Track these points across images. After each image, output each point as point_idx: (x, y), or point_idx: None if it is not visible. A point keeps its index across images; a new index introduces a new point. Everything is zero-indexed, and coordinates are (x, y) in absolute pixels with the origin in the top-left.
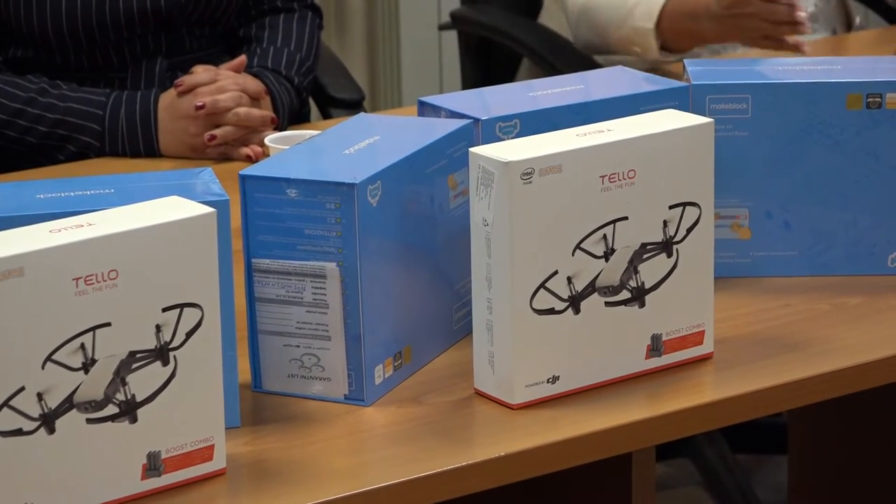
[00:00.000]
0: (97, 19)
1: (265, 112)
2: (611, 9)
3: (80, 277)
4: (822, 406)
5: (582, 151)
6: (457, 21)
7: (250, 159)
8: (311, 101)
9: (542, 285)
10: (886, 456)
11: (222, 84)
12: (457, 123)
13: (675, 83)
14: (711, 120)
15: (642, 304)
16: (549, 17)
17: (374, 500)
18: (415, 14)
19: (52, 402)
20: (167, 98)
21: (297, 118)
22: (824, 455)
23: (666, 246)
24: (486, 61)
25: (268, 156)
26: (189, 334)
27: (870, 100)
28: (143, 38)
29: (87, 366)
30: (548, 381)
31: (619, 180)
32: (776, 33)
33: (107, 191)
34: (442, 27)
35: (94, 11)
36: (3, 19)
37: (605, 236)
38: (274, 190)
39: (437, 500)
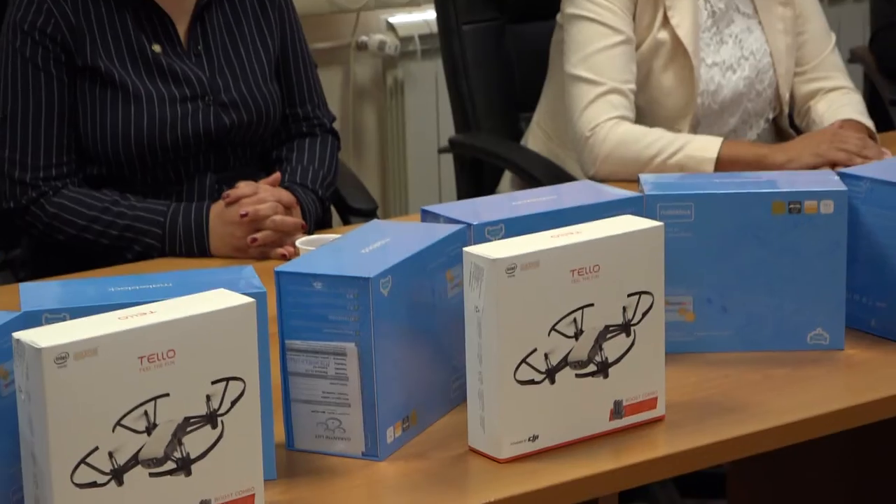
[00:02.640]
0: (160, 143)
1: (297, 219)
2: (653, 145)
3: (144, 356)
4: (755, 458)
5: (555, 250)
6: (454, 145)
7: (285, 258)
8: (334, 210)
9: (524, 360)
10: (808, 500)
11: (262, 196)
12: (453, 228)
13: (631, 194)
14: (662, 223)
15: (606, 376)
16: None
17: None
18: (418, 140)
19: (121, 459)
20: (217, 208)
21: (321, 224)
22: (757, 500)
23: (625, 327)
24: (477, 177)
25: (299, 255)
26: (234, 402)
27: (791, 206)
28: (195, 157)
29: (149, 429)
30: (529, 440)
31: (587, 273)
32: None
33: (166, 284)
34: (441, 150)
35: (157, 136)
36: (83, 145)
37: (575, 319)
38: (303, 283)
39: None
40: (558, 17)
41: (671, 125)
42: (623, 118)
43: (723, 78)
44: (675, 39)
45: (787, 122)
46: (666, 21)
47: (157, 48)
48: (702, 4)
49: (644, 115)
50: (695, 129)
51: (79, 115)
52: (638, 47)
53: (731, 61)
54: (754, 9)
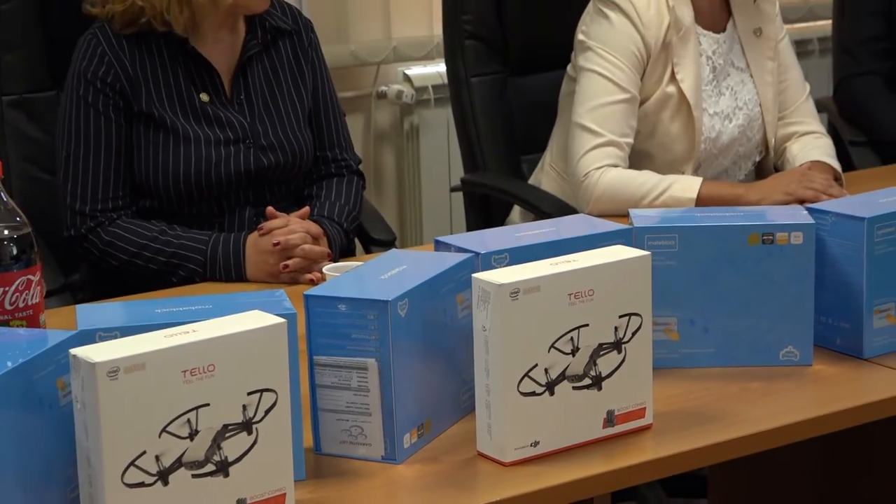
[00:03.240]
0: (205, 180)
1: (323, 248)
2: (641, 186)
3: (187, 370)
4: (733, 462)
5: (554, 276)
6: (465, 184)
7: (313, 283)
8: (357, 241)
9: (526, 374)
10: (781, 500)
11: (293, 227)
12: (463, 256)
13: (622, 226)
14: (649, 253)
15: (600, 388)
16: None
17: None
18: (432, 179)
19: (167, 462)
20: (252, 238)
21: (345, 253)
22: (734, 500)
23: (617, 345)
24: (485, 211)
25: (325, 281)
26: (267, 411)
27: (765, 237)
28: (236, 193)
29: (192, 435)
30: (531, 445)
31: (582, 297)
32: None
33: (207, 306)
34: (453, 189)
35: (203, 174)
36: (137, 181)
37: (572, 338)
38: (329, 305)
39: None
40: (569, 68)
41: (678, 167)
42: (614, 166)
43: (722, 126)
44: (681, 93)
45: (771, 165)
46: (673, 77)
47: (204, 97)
48: (704, 61)
49: (654, 158)
50: (696, 170)
51: (134, 154)
52: (648, 99)
53: (728, 111)
54: (746, 63)
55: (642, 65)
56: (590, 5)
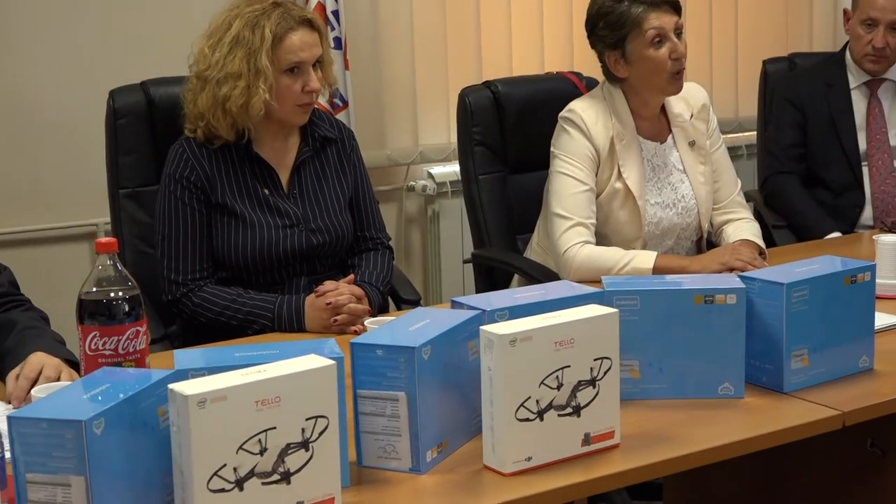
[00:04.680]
0: (268, 256)
1: (365, 307)
2: (610, 260)
3: (259, 400)
4: (683, 472)
5: (544, 328)
6: (475, 257)
7: (356, 333)
8: (390, 300)
9: (522, 405)
10: (720, 502)
11: (341, 290)
12: (473, 312)
13: (596, 290)
14: (617, 310)
15: (579, 415)
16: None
17: None
18: (449, 253)
19: (242, 472)
20: (310, 299)
21: (381, 310)
22: (685, 502)
23: (592, 382)
24: (490, 278)
25: (366, 331)
26: (321, 433)
27: (706, 298)
28: (292, 265)
29: (262, 451)
30: (525, 460)
31: (565, 344)
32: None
33: (274, 351)
34: (466, 261)
35: (266, 252)
36: (216, 256)
37: (557, 376)
38: (369, 351)
39: None
40: (549, 171)
41: (628, 245)
42: (586, 242)
43: (663, 213)
44: (626, 188)
45: (705, 243)
46: (620, 174)
47: (266, 191)
48: (645, 163)
49: (609, 238)
50: (644, 247)
51: (213, 236)
52: (601, 193)
53: (669, 202)
54: (683, 167)
55: (595, 164)
56: (557, 125)
